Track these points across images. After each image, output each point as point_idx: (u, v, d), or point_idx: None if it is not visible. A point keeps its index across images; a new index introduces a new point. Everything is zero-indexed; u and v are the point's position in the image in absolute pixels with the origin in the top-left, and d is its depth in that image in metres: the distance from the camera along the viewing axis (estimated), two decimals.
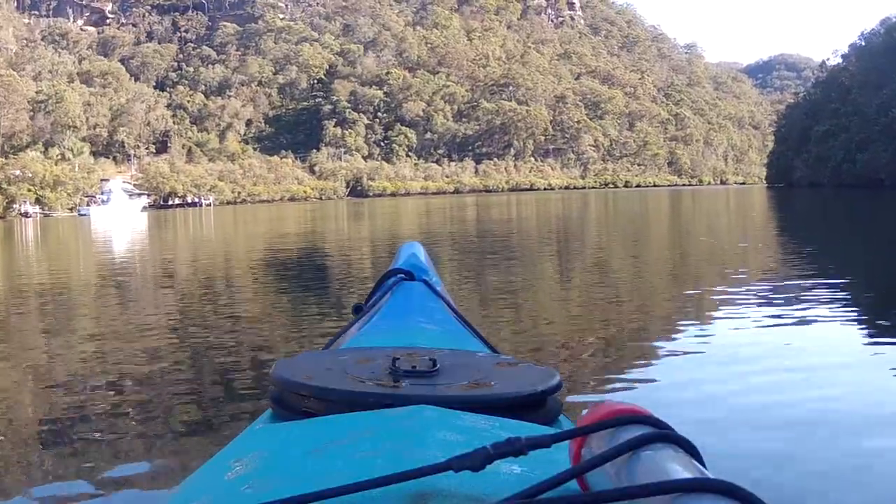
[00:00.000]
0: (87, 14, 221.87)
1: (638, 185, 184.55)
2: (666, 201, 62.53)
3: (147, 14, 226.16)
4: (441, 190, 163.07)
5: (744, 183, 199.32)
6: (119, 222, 57.36)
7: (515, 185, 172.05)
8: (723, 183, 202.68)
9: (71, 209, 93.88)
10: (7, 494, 4.13)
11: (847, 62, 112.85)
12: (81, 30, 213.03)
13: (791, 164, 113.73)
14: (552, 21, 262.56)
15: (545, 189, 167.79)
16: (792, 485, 4.03)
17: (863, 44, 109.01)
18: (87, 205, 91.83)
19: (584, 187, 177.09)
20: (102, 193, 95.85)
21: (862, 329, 8.45)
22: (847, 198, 55.13)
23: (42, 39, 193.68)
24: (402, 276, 2.54)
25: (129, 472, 4.44)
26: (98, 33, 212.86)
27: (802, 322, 8.54)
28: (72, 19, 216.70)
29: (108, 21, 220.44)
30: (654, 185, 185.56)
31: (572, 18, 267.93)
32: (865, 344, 7.65)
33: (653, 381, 6.23)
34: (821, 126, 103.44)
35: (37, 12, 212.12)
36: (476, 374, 1.52)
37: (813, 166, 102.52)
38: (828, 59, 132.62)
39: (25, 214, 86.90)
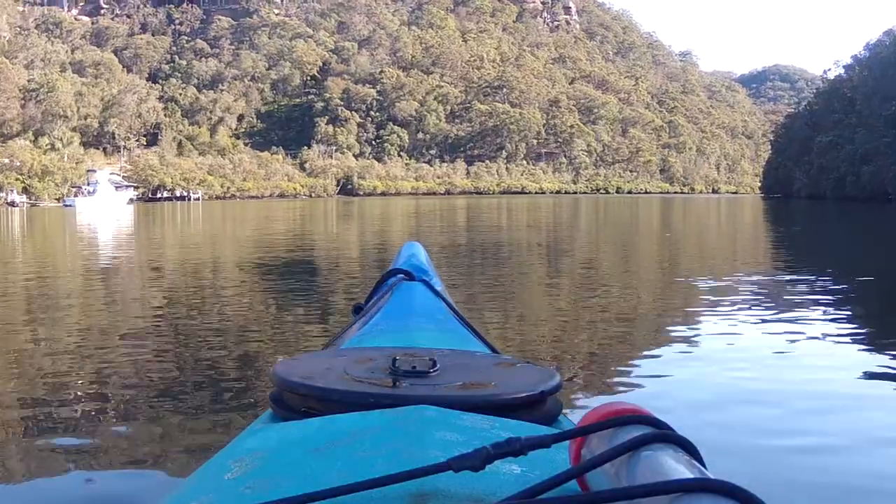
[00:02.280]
0: (81, 3, 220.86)
1: (629, 192, 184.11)
2: (662, 210, 61.66)
3: (142, 5, 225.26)
4: (431, 190, 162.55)
5: (736, 192, 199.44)
6: (105, 214, 56.67)
7: (507, 188, 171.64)
8: (715, 192, 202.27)
9: (58, 199, 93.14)
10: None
11: (850, 73, 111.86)
12: (75, 19, 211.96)
13: (790, 174, 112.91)
14: (548, 25, 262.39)
15: (536, 193, 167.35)
16: (792, 485, 4.02)
17: (867, 55, 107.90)
18: (75, 195, 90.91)
19: (575, 192, 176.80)
20: (89, 184, 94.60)
21: (862, 336, 8.43)
22: (853, 212, 54.13)
23: (36, 28, 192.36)
24: (402, 276, 2.54)
25: (128, 472, 4.38)
26: (92, 23, 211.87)
27: (804, 325, 8.61)
28: (66, 8, 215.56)
29: (102, 11, 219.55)
30: (646, 192, 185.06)
31: (568, 23, 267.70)
32: (863, 350, 7.70)
33: (652, 380, 6.23)
34: (824, 137, 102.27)
35: (31, 0, 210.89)
36: (476, 374, 1.52)
37: (814, 177, 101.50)
38: (829, 70, 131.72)
39: (12, 204, 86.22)
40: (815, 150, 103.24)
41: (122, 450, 4.69)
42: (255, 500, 0.97)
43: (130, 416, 5.41)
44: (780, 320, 8.86)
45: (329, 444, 1.16)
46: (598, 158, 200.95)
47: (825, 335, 8.14)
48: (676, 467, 0.76)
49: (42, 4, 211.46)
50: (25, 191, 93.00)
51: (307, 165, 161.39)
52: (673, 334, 8.20)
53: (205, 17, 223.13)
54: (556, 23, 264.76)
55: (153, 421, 5.28)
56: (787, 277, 13.89)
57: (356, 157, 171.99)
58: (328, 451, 1.13)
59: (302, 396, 1.44)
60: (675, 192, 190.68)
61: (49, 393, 5.91)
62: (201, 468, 1.28)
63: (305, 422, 1.35)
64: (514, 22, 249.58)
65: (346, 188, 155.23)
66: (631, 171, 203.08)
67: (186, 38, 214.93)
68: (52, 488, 4.12)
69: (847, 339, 8.12)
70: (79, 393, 5.99)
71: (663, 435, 0.82)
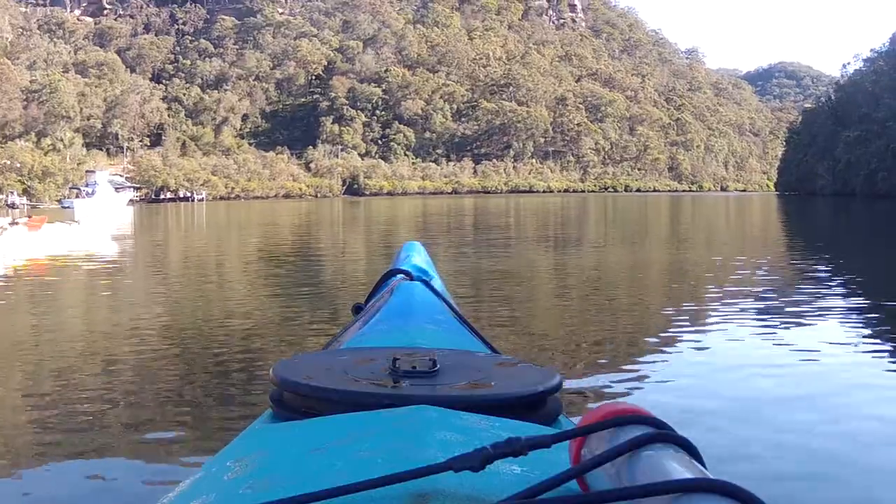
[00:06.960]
0: (84, 4, 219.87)
1: (638, 190, 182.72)
2: (678, 211, 59.45)
3: (145, 5, 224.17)
4: (439, 190, 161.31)
5: (744, 190, 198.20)
6: (103, 216, 55.26)
7: (514, 187, 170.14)
8: (723, 190, 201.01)
9: (58, 201, 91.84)
10: (7, 498, 4.20)
11: (873, 66, 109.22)
12: (78, 20, 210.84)
13: (812, 171, 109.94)
14: (553, 22, 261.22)
15: (544, 192, 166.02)
16: (794, 485, 4.05)
17: (890, 48, 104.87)
18: (76, 196, 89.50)
19: (583, 191, 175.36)
20: (87, 185, 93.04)
21: (868, 337, 8.18)
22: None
23: (38, 28, 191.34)
24: (402, 275, 2.54)
25: (128, 473, 4.47)
26: (95, 24, 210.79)
27: (807, 327, 8.51)
28: (69, 9, 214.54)
29: (105, 11, 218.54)
30: (655, 191, 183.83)
31: (574, 20, 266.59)
32: (870, 348, 7.56)
33: (653, 381, 6.23)
34: (851, 132, 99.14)
35: (34, 1, 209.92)
36: (476, 374, 1.52)
37: (840, 174, 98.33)
38: (848, 64, 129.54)
39: (12, 206, 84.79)
40: (841, 145, 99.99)
41: (121, 450, 4.76)
42: (255, 500, 0.97)
43: (131, 416, 5.48)
44: (788, 328, 8.53)
45: (329, 444, 1.16)
46: (605, 156, 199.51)
47: (835, 339, 7.79)
48: (676, 467, 0.77)
49: (44, 5, 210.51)
50: (26, 192, 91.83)
51: (312, 165, 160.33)
52: (675, 336, 8.11)
53: (208, 16, 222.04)
54: (561, 20, 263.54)
55: (153, 421, 5.36)
56: (803, 285, 12.37)
57: (362, 156, 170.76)
58: (328, 451, 1.13)
59: (302, 396, 1.44)
60: (684, 191, 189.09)
61: (52, 393, 6.04)
62: (201, 468, 1.28)
63: (305, 422, 1.35)
64: (519, 20, 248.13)
65: (352, 188, 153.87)
66: (639, 170, 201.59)
67: (190, 37, 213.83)
68: (54, 486, 4.25)
69: (858, 342, 7.81)
70: (81, 394, 6.06)
71: (663, 435, 0.82)
